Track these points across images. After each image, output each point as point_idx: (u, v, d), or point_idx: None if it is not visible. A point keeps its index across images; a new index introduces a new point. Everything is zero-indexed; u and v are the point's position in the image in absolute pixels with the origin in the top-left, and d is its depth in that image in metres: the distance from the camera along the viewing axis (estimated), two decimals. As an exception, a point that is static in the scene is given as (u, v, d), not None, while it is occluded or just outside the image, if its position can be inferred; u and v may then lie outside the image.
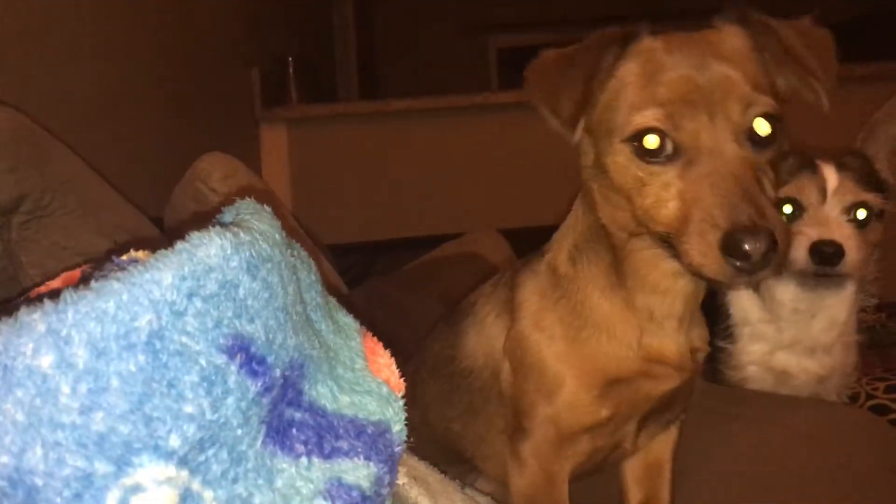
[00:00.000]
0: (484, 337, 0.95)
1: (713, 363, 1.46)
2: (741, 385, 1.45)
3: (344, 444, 0.50)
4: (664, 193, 0.74)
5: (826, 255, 1.24)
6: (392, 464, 0.52)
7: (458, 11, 5.78)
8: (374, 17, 5.66)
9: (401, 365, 1.09)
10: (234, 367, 0.45)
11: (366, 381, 0.55)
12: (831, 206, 1.29)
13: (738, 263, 0.67)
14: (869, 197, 1.29)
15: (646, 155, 0.74)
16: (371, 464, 0.50)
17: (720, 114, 0.73)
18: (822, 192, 1.29)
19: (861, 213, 1.28)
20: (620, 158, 0.76)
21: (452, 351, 0.99)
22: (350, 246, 2.56)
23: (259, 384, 0.46)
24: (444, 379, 1.00)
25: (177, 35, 2.18)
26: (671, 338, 0.85)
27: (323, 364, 0.54)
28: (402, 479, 0.61)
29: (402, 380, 0.58)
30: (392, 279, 1.75)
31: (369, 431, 0.52)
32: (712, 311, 1.45)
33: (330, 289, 0.69)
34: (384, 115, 3.17)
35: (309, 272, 0.60)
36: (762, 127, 0.74)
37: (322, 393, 0.52)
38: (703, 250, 0.69)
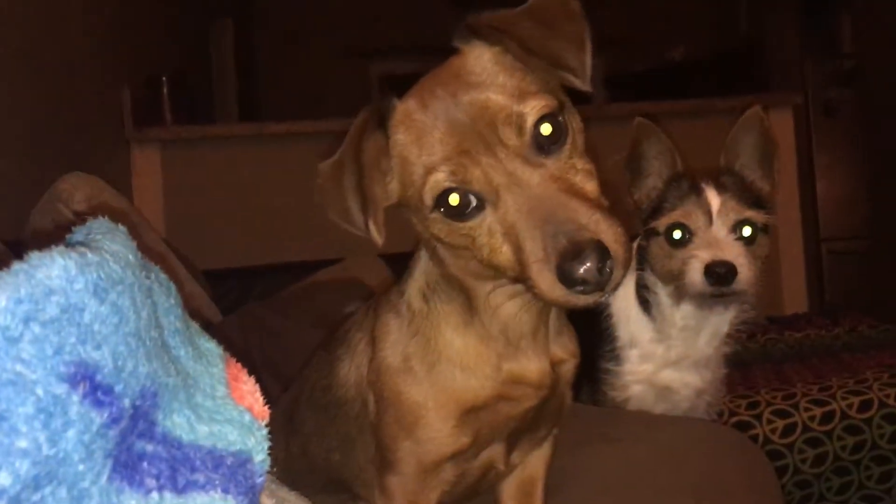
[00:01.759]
0: (355, 366, 0.93)
1: (597, 384, 1.50)
2: (623, 405, 1.48)
3: (200, 477, 0.47)
4: (493, 241, 0.73)
5: (720, 276, 1.30)
6: (253, 496, 0.50)
7: (340, 36, 5.78)
8: (255, 40, 5.59)
9: (278, 393, 1.06)
10: (76, 397, 0.41)
11: (227, 410, 0.53)
12: (718, 227, 1.34)
13: (581, 288, 0.67)
14: (751, 213, 1.36)
15: (457, 214, 0.73)
16: (230, 497, 0.47)
17: (497, 143, 0.72)
18: (708, 214, 1.35)
19: (746, 230, 1.35)
20: (440, 225, 0.75)
21: (328, 380, 0.97)
22: (227, 271, 2.49)
23: (105, 415, 0.43)
24: (322, 409, 0.97)
25: (40, 48, 2.06)
26: (530, 357, 0.85)
27: (180, 392, 0.51)
28: (267, 512, 0.58)
29: (266, 407, 0.55)
30: (268, 304, 1.71)
31: (229, 462, 0.49)
32: (598, 334, 1.49)
33: (195, 314, 0.65)
34: (262, 137, 3.12)
35: (168, 296, 0.57)
36: (545, 129, 0.73)
37: (178, 423, 0.49)
38: (548, 287, 0.69)
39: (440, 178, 0.72)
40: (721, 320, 1.44)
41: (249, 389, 0.56)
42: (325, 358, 0.99)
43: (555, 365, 0.87)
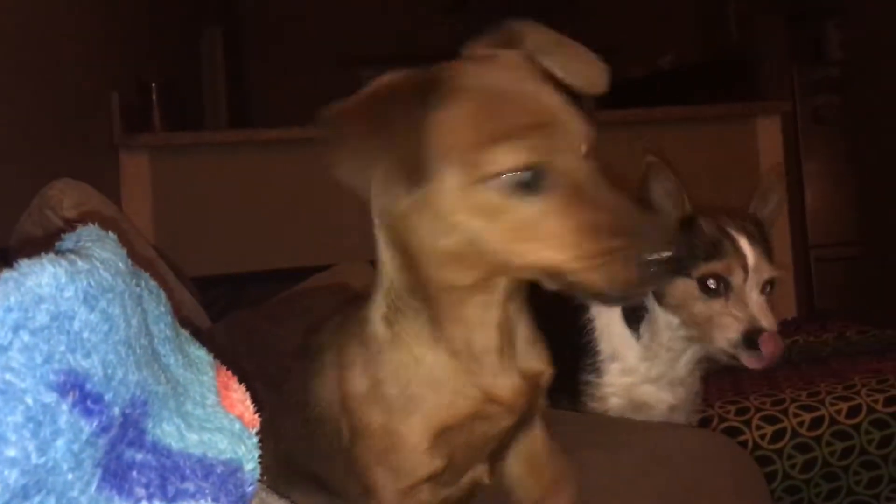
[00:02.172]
0: (327, 388, 0.88)
1: (577, 396, 1.50)
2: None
3: (190, 486, 0.47)
4: (550, 226, 0.68)
5: (754, 343, 1.28)
6: (243, 504, 0.50)
7: (330, 43, 5.78)
8: (244, 47, 5.58)
9: (265, 399, 1.05)
10: (65, 406, 0.41)
11: (217, 418, 0.53)
12: (751, 286, 1.31)
13: (652, 269, 0.66)
14: (777, 273, 1.34)
15: (521, 192, 0.68)
16: (219, 505, 0.47)
17: (569, 133, 0.70)
18: (745, 269, 1.32)
19: (767, 287, 1.34)
20: (481, 207, 0.69)
21: (304, 396, 0.93)
22: (216, 278, 2.48)
23: (94, 424, 0.43)
24: (302, 422, 0.94)
25: (28, 52, 2.05)
26: (497, 374, 0.81)
27: (170, 400, 0.51)
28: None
29: (257, 415, 0.55)
30: (257, 312, 1.70)
31: (219, 471, 0.49)
32: (579, 347, 1.49)
33: (184, 321, 0.65)
34: (252, 144, 3.12)
35: (158, 303, 0.57)
36: None
37: (168, 431, 0.49)
38: (614, 275, 0.66)
39: (519, 147, 0.67)
40: (704, 346, 1.43)
41: (240, 397, 0.56)
42: (300, 372, 0.95)
43: (529, 378, 0.84)
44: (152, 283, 0.58)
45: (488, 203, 0.69)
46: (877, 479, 1.69)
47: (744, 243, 1.34)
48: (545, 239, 0.69)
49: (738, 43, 4.73)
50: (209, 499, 0.47)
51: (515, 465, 0.94)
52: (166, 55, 3.68)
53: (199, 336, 0.65)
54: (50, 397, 0.41)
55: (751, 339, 1.28)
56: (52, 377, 0.41)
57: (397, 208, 0.74)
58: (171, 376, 0.53)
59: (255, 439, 0.53)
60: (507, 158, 0.67)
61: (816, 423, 1.68)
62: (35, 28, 2.13)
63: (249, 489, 0.51)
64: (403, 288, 0.80)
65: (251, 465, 0.51)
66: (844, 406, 1.69)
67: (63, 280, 0.44)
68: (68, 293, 0.44)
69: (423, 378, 0.80)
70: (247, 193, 3.03)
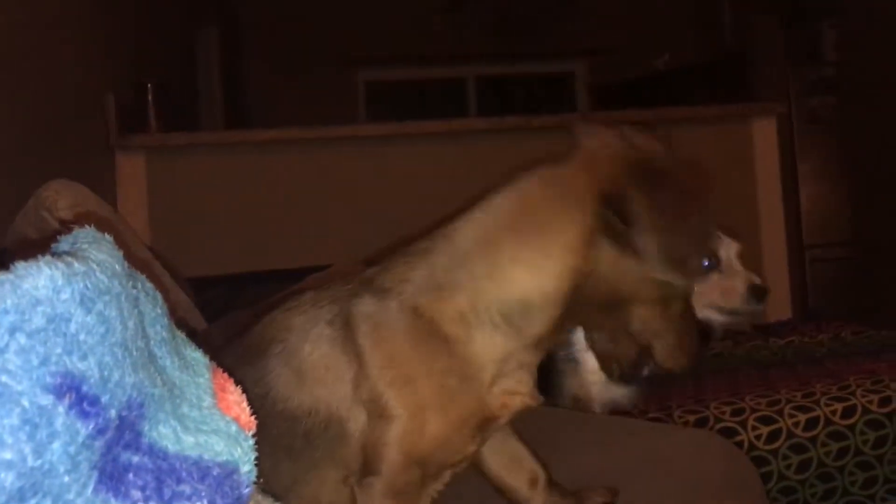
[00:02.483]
0: (312, 382, 0.86)
1: (559, 389, 1.53)
2: (588, 406, 1.52)
3: (186, 488, 0.47)
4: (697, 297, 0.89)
5: (761, 293, 1.61)
6: (240, 506, 0.50)
7: (327, 43, 5.78)
8: (241, 47, 5.58)
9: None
10: (62, 408, 0.41)
11: (213, 420, 0.53)
12: (733, 256, 1.63)
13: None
14: (742, 245, 1.69)
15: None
16: (216, 507, 0.47)
17: None
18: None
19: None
20: (667, 281, 0.82)
21: (263, 389, 0.88)
22: (212, 279, 2.47)
23: (91, 426, 0.43)
24: (282, 434, 0.88)
25: (23, 53, 2.05)
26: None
27: (166, 403, 0.51)
28: (253, 522, 0.58)
29: (253, 417, 0.55)
30: (254, 312, 1.70)
31: (215, 473, 0.49)
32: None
33: (180, 323, 0.65)
34: (249, 145, 3.12)
35: (154, 305, 0.57)
36: None
37: (164, 433, 0.49)
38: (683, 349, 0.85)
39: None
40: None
41: (236, 399, 0.56)
42: (249, 367, 0.89)
43: None
44: (149, 284, 0.57)
45: (667, 281, 0.84)
46: (872, 479, 1.69)
47: (725, 237, 1.63)
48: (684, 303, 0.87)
49: (734, 44, 4.74)
50: (205, 501, 0.47)
51: (491, 457, 0.97)
52: (162, 56, 3.67)
53: (195, 337, 0.65)
54: (46, 399, 0.41)
55: (755, 292, 1.57)
56: (48, 379, 0.41)
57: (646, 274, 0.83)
58: (167, 378, 0.53)
59: (252, 441, 0.53)
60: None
61: (812, 423, 1.68)
62: (30, 29, 2.12)
63: (245, 491, 0.51)
64: (515, 310, 0.83)
65: (247, 467, 0.51)
66: (840, 407, 1.70)
67: (59, 282, 0.44)
68: (65, 295, 0.44)
69: (482, 379, 0.83)
70: (243, 194, 3.03)
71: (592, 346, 0.99)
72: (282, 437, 0.88)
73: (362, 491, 0.85)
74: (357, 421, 0.85)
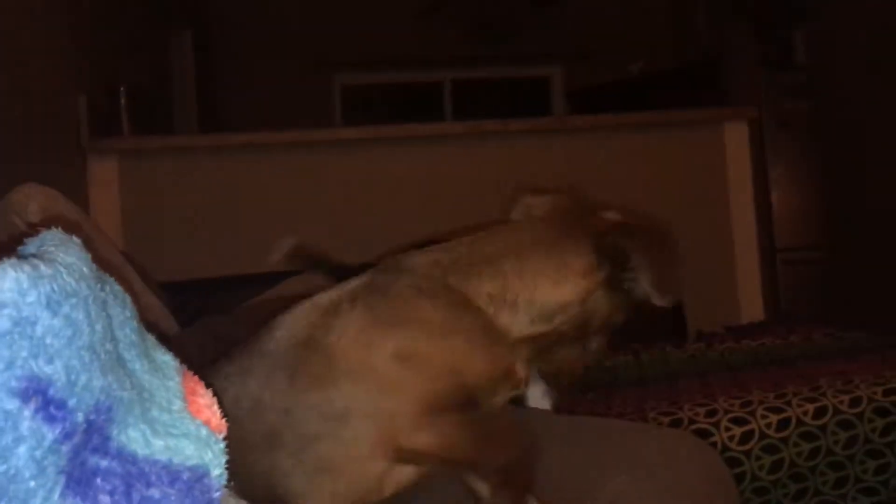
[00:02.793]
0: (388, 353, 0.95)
1: None
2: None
3: (156, 493, 0.46)
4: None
5: None
6: (210, 510, 0.49)
7: (302, 47, 5.76)
8: (215, 50, 5.54)
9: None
10: (27, 413, 0.41)
11: (183, 423, 0.52)
12: None
13: None
14: None
15: None
16: (186, 512, 0.47)
17: None
18: None
19: None
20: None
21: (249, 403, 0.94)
22: (186, 283, 2.45)
23: (57, 430, 0.42)
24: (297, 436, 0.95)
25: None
26: None
27: (135, 406, 0.50)
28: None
29: (224, 420, 0.55)
30: (228, 317, 1.69)
31: (185, 477, 0.48)
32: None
33: (151, 326, 0.64)
34: (223, 149, 3.10)
35: (123, 308, 0.56)
36: None
37: (133, 437, 0.49)
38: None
39: None
40: None
41: (207, 403, 0.55)
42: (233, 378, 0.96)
43: None
44: (117, 287, 0.57)
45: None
46: (843, 479, 1.71)
47: None
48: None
49: (708, 49, 4.79)
50: (175, 505, 0.47)
51: None
52: (135, 58, 3.64)
53: (167, 341, 0.64)
54: (12, 404, 0.40)
55: None
56: (13, 383, 0.41)
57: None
58: (136, 382, 0.53)
59: (222, 445, 0.53)
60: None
61: (783, 424, 1.70)
62: (0, 30, 2.10)
63: (216, 495, 0.50)
64: (535, 308, 0.96)
65: (218, 470, 0.51)
66: (811, 407, 1.72)
67: (25, 285, 0.43)
68: (31, 298, 0.43)
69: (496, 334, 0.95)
70: (217, 198, 3.01)
71: (538, 372, 1.08)
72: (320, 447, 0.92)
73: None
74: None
